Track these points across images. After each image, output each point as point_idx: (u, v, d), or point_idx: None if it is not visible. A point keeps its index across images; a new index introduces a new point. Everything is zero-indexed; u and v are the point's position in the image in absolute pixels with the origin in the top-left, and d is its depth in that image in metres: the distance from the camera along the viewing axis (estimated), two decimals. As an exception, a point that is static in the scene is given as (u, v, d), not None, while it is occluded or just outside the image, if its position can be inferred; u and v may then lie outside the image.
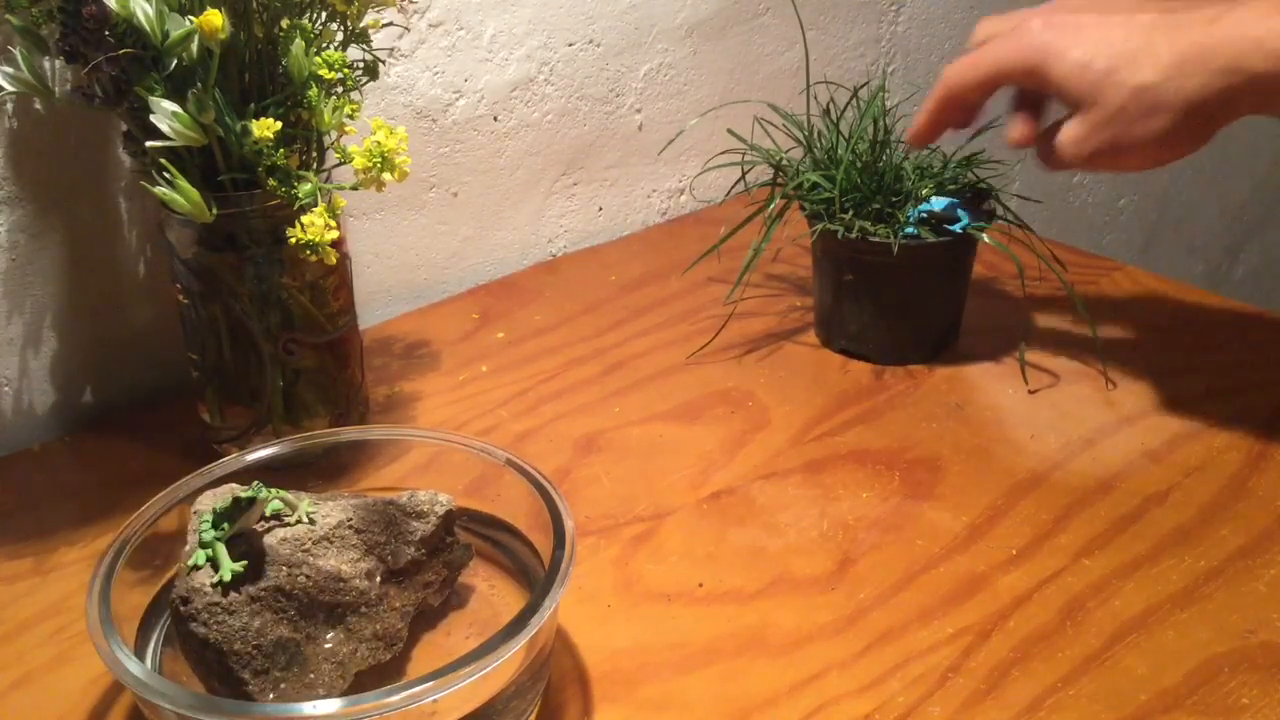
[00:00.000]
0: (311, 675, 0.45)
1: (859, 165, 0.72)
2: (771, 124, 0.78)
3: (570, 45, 0.88)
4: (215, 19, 0.52)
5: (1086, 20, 0.57)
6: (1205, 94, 0.52)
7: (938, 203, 0.71)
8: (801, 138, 0.76)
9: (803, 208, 0.73)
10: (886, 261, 0.69)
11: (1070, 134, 0.58)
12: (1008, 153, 0.68)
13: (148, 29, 0.52)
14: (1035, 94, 0.63)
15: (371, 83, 0.59)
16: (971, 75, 0.62)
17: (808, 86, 0.77)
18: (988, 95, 0.63)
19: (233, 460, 0.53)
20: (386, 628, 0.48)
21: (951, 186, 0.72)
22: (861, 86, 0.76)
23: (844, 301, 0.74)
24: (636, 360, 0.76)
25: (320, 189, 0.56)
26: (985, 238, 0.70)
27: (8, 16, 0.56)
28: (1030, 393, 0.71)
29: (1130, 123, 0.55)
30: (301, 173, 0.56)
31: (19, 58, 0.55)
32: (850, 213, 0.70)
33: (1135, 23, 0.55)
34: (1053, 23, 0.58)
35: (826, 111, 0.76)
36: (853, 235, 0.69)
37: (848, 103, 0.75)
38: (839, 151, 0.74)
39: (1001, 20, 0.63)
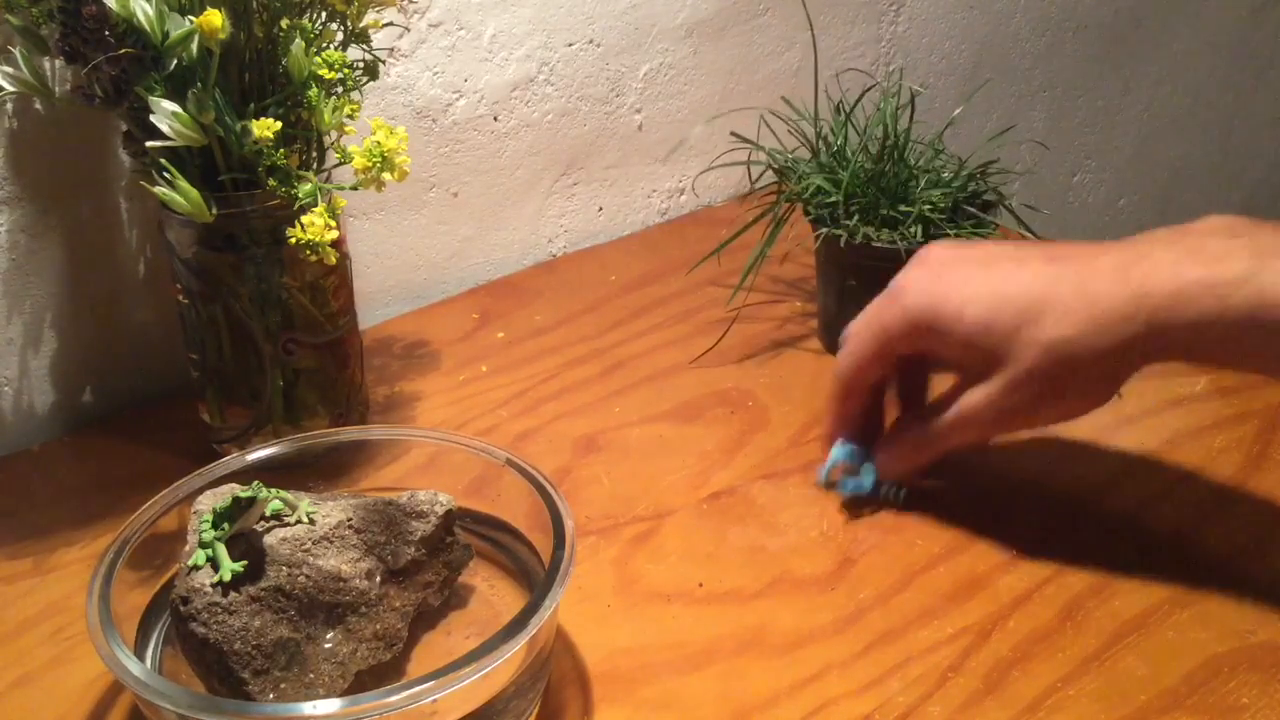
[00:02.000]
0: (311, 675, 0.45)
1: (865, 170, 0.72)
2: (774, 125, 0.78)
3: (570, 45, 0.88)
4: (215, 19, 0.52)
5: (972, 272, 0.51)
6: (1124, 348, 0.48)
7: (840, 452, 0.60)
8: (808, 139, 0.76)
9: (807, 212, 0.73)
10: (891, 267, 0.68)
11: (977, 400, 0.52)
12: (1017, 163, 0.67)
13: (148, 29, 0.52)
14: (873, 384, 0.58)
15: (371, 83, 0.59)
16: (859, 353, 0.55)
17: (815, 89, 0.77)
18: (885, 369, 0.57)
19: (233, 460, 0.53)
20: (386, 628, 0.48)
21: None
22: (870, 88, 0.76)
23: (848, 307, 0.74)
24: (636, 360, 0.76)
25: (320, 189, 0.56)
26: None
27: (8, 16, 0.56)
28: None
29: (1045, 381, 0.50)
30: (301, 173, 0.56)
31: (19, 58, 0.55)
32: (855, 218, 0.70)
33: (1031, 273, 0.50)
34: (934, 275, 0.52)
35: (838, 111, 0.76)
36: (856, 241, 0.69)
37: (855, 103, 0.75)
38: (847, 154, 0.73)
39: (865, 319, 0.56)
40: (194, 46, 0.53)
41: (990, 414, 0.52)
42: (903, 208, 0.70)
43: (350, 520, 0.48)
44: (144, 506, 0.50)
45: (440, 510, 0.50)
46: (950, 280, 0.51)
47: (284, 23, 0.57)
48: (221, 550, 0.46)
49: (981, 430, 0.54)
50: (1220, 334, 0.45)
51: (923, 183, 0.72)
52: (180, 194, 0.54)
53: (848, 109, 0.76)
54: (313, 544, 0.47)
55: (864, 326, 0.55)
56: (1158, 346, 0.47)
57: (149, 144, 0.54)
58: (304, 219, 0.54)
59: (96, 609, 0.44)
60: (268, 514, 0.47)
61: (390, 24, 0.68)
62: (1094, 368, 0.49)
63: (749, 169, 0.77)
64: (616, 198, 0.96)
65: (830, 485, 0.61)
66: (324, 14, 0.59)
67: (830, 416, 0.59)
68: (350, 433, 0.57)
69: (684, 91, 0.97)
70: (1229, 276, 0.45)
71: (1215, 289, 0.45)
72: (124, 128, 0.59)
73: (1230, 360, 0.49)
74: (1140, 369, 0.50)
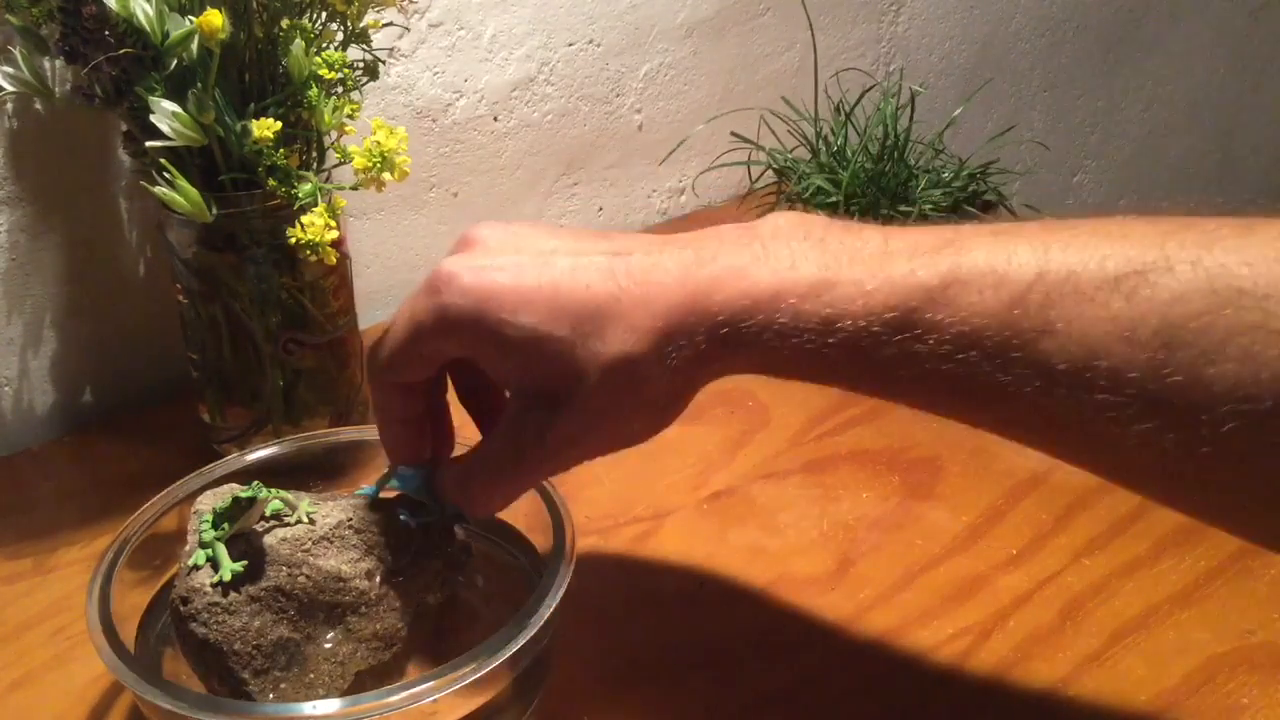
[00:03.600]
0: (311, 675, 0.45)
1: (865, 170, 0.72)
2: (774, 125, 0.78)
3: (570, 45, 0.88)
4: (215, 19, 0.51)
5: (526, 267, 0.42)
6: (691, 364, 0.42)
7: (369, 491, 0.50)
8: (808, 139, 0.76)
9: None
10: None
11: (533, 430, 0.43)
12: (1017, 163, 0.67)
13: (148, 29, 0.52)
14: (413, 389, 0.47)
15: (371, 83, 0.59)
16: (390, 349, 0.45)
17: (815, 89, 0.77)
18: (425, 371, 0.46)
19: (233, 460, 0.53)
20: (386, 628, 0.48)
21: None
22: (870, 88, 0.76)
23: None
24: (636, 360, 0.76)
25: (320, 189, 0.56)
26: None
27: (8, 16, 0.56)
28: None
29: (608, 402, 0.42)
30: (301, 173, 0.56)
31: (19, 58, 0.55)
32: (855, 217, 0.70)
33: (594, 272, 0.42)
34: (481, 269, 0.42)
35: (838, 111, 0.76)
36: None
37: (855, 103, 0.75)
38: (847, 154, 0.73)
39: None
40: (194, 46, 0.53)
41: (551, 444, 0.43)
42: (903, 208, 0.70)
43: (350, 520, 0.48)
44: (144, 506, 0.50)
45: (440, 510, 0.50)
46: (501, 276, 0.42)
47: (284, 23, 0.57)
48: (221, 550, 0.46)
49: (541, 466, 0.45)
50: (794, 348, 0.40)
51: (923, 183, 0.72)
52: (180, 194, 0.54)
53: (848, 109, 0.76)
54: (313, 544, 0.47)
55: (398, 319, 0.45)
56: (728, 362, 0.42)
57: (149, 144, 0.54)
58: (304, 219, 0.54)
59: (96, 609, 0.44)
60: (268, 514, 0.47)
61: (390, 24, 0.67)
62: (659, 386, 0.42)
63: (749, 169, 0.77)
64: (616, 198, 0.96)
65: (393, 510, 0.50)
66: (324, 14, 0.59)
67: (378, 425, 0.49)
68: (350, 433, 0.57)
69: (684, 91, 0.97)
70: (800, 288, 0.40)
71: (786, 299, 0.40)
72: (124, 128, 0.59)
73: (808, 374, 0.42)
74: (708, 383, 0.44)
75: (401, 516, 0.49)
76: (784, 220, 0.42)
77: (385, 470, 0.49)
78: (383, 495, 0.50)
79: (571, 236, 0.45)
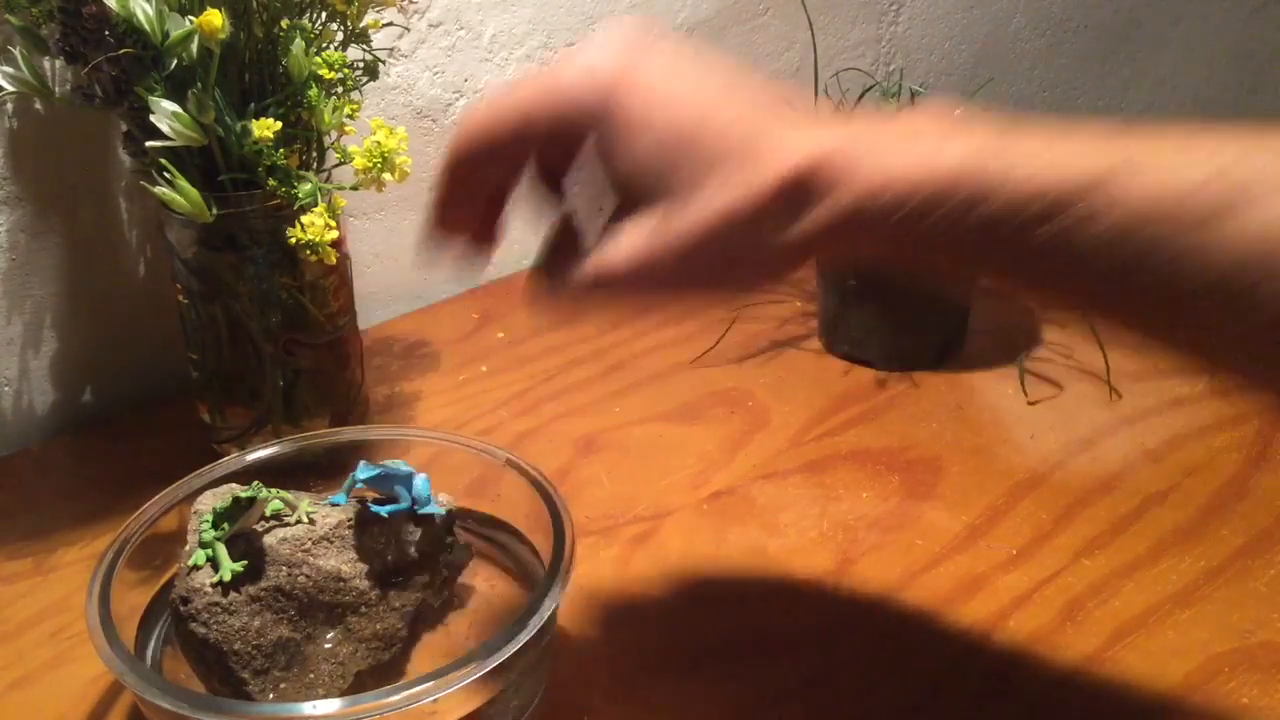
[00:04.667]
0: (311, 675, 0.45)
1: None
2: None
3: (570, 45, 0.88)
4: (215, 19, 0.51)
5: (688, 63, 0.40)
6: (830, 212, 0.38)
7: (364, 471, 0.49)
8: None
9: None
10: (891, 267, 0.68)
11: (645, 233, 0.41)
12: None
13: (148, 29, 0.52)
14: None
15: (371, 83, 0.59)
16: (500, 111, 0.41)
17: (815, 88, 0.77)
18: (523, 146, 0.43)
19: (233, 460, 0.53)
20: (386, 628, 0.48)
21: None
22: (870, 88, 0.76)
23: (847, 307, 0.74)
24: (636, 360, 0.76)
25: (320, 189, 0.56)
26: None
27: (8, 16, 0.56)
28: (1030, 402, 0.71)
29: (732, 219, 0.39)
30: (301, 173, 0.56)
31: (19, 58, 0.55)
32: None
33: (756, 98, 0.40)
34: (637, 48, 0.40)
35: (838, 110, 0.76)
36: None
37: (855, 103, 0.75)
38: None
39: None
40: (194, 46, 0.53)
41: (669, 250, 0.40)
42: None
43: (350, 520, 0.48)
44: (144, 506, 0.50)
45: (440, 510, 0.50)
46: (662, 61, 0.39)
47: (284, 23, 0.57)
48: (221, 550, 0.46)
49: (655, 273, 0.42)
50: (939, 219, 0.36)
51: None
52: (180, 194, 0.54)
53: (848, 109, 0.76)
54: (313, 544, 0.47)
55: (521, 85, 0.41)
56: (864, 219, 0.38)
57: (149, 144, 0.54)
58: (304, 219, 0.54)
59: (96, 609, 0.44)
60: (268, 514, 0.47)
61: (390, 24, 0.67)
62: (780, 232, 0.39)
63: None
64: (616, 198, 0.96)
65: (361, 503, 0.50)
66: (324, 14, 0.59)
67: (436, 195, 0.44)
68: (350, 433, 0.57)
69: (684, 91, 0.97)
70: (950, 163, 0.36)
71: (934, 176, 0.36)
72: (124, 128, 0.59)
73: (949, 252, 0.38)
74: (827, 250, 0.41)
75: (372, 508, 0.49)
76: (934, 107, 0.39)
77: (349, 477, 0.50)
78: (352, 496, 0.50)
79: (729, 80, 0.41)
